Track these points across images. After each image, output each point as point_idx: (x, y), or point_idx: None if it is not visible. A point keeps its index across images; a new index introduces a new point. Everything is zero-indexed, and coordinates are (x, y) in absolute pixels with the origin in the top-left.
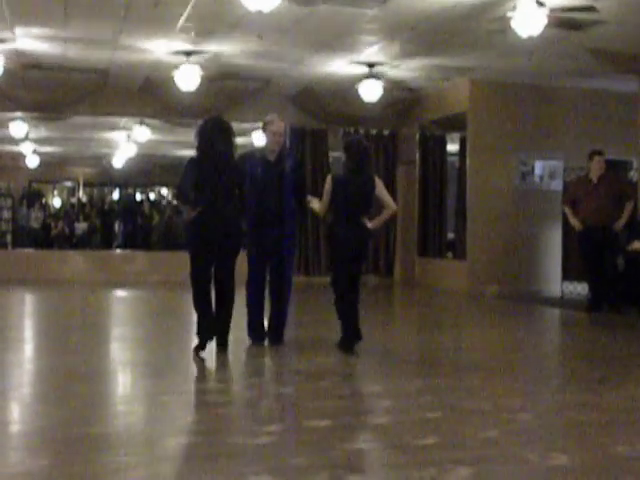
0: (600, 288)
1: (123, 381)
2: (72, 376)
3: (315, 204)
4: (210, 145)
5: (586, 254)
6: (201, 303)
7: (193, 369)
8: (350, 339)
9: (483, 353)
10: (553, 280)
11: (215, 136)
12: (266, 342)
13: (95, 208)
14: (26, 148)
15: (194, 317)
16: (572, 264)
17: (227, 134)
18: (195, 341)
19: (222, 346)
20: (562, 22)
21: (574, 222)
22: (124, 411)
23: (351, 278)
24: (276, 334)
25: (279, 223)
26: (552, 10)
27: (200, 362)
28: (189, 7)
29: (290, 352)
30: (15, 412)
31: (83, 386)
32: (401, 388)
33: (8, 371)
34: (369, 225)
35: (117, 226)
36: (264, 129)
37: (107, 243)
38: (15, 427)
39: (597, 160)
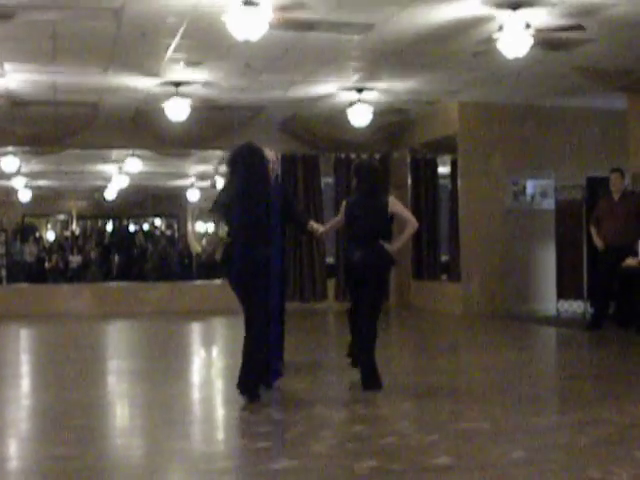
0: (605, 308)
1: (120, 414)
2: (69, 411)
3: (315, 225)
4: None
5: (601, 273)
6: None
7: (191, 401)
8: (367, 376)
9: (482, 374)
10: (548, 299)
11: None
12: None
13: (94, 241)
14: (18, 182)
15: (196, 346)
16: (567, 282)
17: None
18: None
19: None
20: (549, 42)
21: (597, 241)
22: (122, 444)
23: (363, 305)
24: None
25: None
26: (538, 31)
27: (198, 392)
28: (177, 38)
29: (287, 377)
30: (12, 448)
31: (80, 420)
32: (400, 411)
33: (5, 407)
34: (389, 247)
35: (111, 258)
36: None
37: (102, 275)
38: (13, 463)
39: (613, 178)
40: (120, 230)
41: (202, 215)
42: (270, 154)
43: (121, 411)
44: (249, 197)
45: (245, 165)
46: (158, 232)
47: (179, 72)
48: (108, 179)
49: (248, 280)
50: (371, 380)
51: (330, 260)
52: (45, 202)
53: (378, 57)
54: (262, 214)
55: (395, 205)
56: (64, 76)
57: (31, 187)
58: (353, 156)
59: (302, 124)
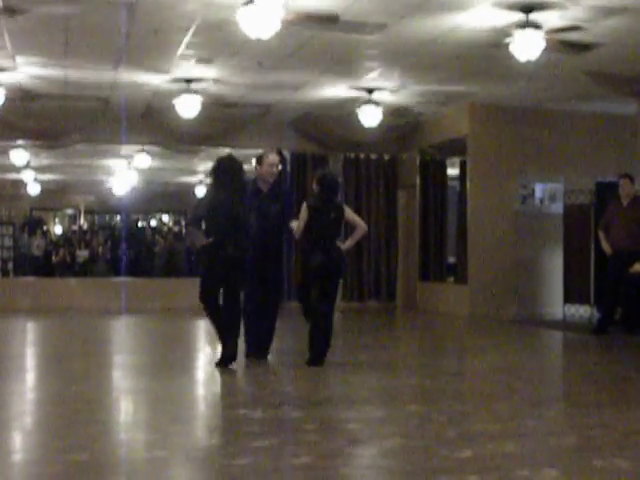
0: (612, 312)
1: (125, 409)
2: (74, 404)
3: (294, 224)
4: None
5: (608, 278)
6: None
7: (196, 396)
8: (320, 354)
9: (487, 377)
10: (555, 303)
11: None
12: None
13: (102, 235)
14: (27, 176)
15: (201, 342)
16: (574, 287)
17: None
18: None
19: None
20: (562, 46)
21: (605, 246)
22: (126, 439)
23: (326, 296)
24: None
25: (275, 251)
26: (548, 32)
27: (203, 388)
28: (189, 34)
29: (293, 377)
30: (17, 441)
31: (85, 414)
32: (406, 412)
33: (10, 400)
34: (342, 246)
35: (118, 253)
36: (259, 161)
37: (110, 270)
38: (17, 456)
39: (622, 183)
40: (128, 225)
41: None
42: (273, 157)
43: (126, 405)
44: (223, 209)
45: (224, 177)
46: (166, 228)
47: (190, 69)
48: (117, 174)
49: (223, 275)
50: (323, 357)
51: None
52: (53, 196)
53: (390, 58)
54: (237, 222)
55: (349, 213)
56: (75, 70)
57: (40, 181)
58: (362, 156)
59: (312, 123)
